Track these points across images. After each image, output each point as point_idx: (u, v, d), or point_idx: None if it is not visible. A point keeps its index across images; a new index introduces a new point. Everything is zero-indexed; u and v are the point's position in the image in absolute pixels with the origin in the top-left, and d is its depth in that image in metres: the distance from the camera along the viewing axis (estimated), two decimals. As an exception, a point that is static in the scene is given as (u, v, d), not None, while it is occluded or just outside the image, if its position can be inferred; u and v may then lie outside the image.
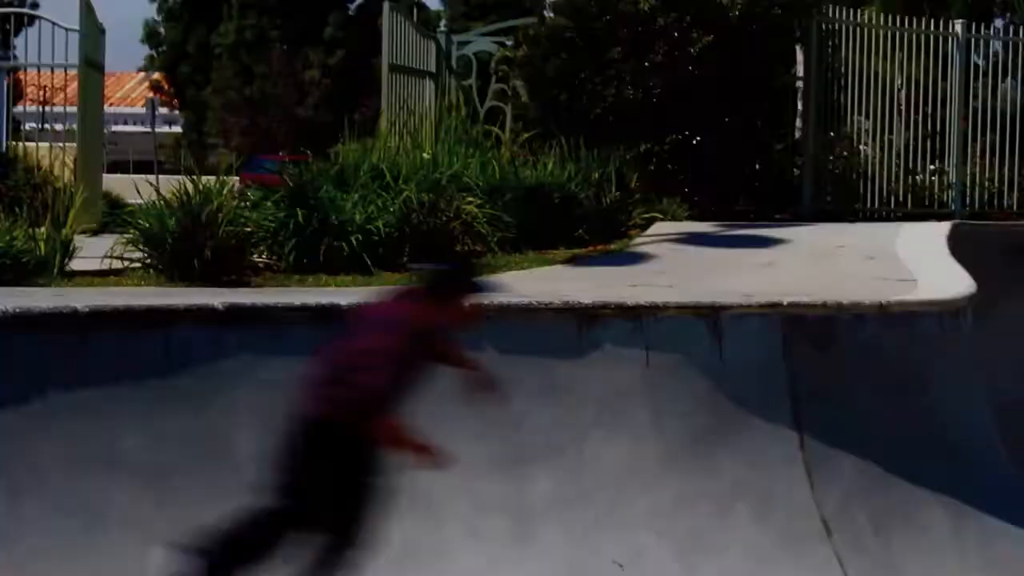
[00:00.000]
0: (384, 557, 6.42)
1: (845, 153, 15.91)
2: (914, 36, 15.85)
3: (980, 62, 16.94)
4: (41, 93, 17.59)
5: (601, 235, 12.96)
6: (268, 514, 6.13)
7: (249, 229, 10.75)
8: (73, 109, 16.31)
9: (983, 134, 16.30)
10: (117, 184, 19.79)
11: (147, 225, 10.52)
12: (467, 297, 6.41)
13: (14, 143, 16.67)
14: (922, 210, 15.40)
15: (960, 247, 12.16)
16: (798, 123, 16.03)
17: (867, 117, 16.00)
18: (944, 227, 13.04)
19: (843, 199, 15.75)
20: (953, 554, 8.77)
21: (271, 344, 7.79)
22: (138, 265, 10.45)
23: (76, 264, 10.49)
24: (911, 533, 8.75)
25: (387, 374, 6.02)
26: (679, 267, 11.60)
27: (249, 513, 6.13)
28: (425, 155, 12.81)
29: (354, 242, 11.05)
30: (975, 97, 16.57)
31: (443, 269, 6.57)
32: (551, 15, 15.58)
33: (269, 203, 11.47)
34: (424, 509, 7.34)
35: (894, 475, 8.96)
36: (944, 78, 15.83)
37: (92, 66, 16.13)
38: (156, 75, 52.11)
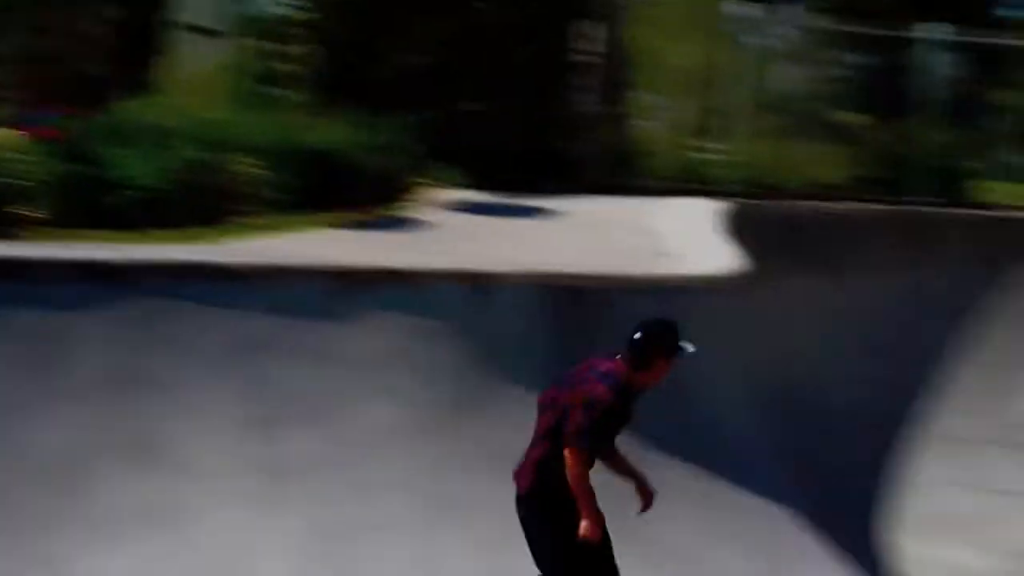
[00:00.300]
0: (128, 514, 6.42)
1: (628, 128, 16.19)
2: (702, 16, 16.15)
3: (766, 44, 17.33)
4: None
5: (380, 200, 12.99)
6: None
7: (18, 181, 10.52)
8: None
9: (762, 114, 16.71)
10: None
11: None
12: (669, 360, 6.97)
13: None
14: (701, 186, 15.75)
15: (736, 224, 12.51)
16: (583, 97, 16.22)
17: (652, 94, 16.30)
18: (719, 204, 13.37)
19: (624, 173, 16.01)
20: (697, 524, 9.02)
21: (28, 296, 7.70)
22: None
23: None
24: (659, 502, 8.97)
25: (597, 423, 6.73)
26: (452, 234, 11.71)
27: None
28: (207, 114, 12.68)
29: (127, 198, 10.90)
30: (759, 78, 16.98)
31: (650, 333, 6.95)
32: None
33: (42, 156, 11.23)
34: (171, 467, 7.32)
35: (647, 443, 9.16)
36: (729, 59, 16.17)
37: None
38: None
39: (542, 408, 7.01)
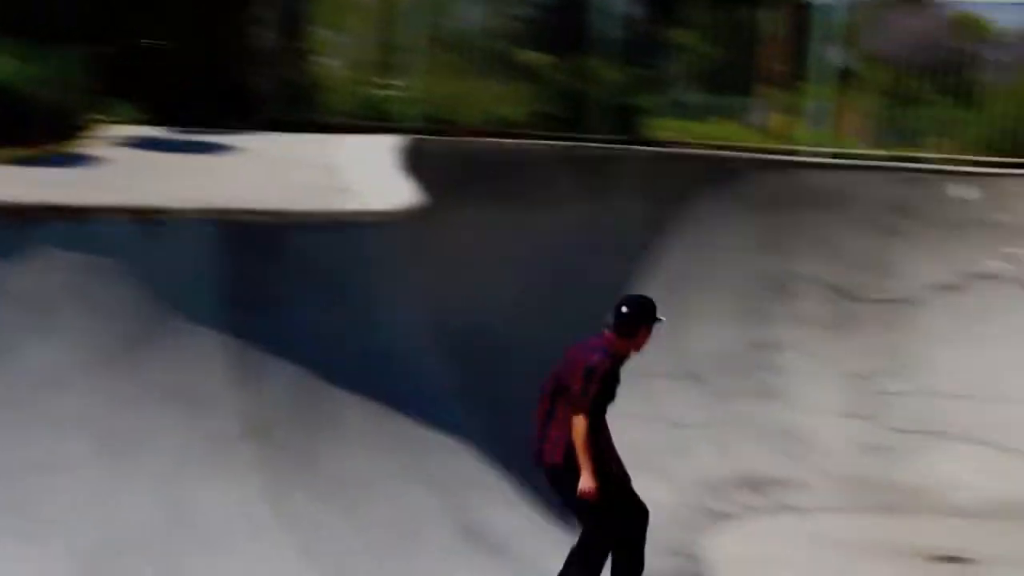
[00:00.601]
0: None
1: (308, 64, 16.13)
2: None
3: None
4: None
5: (53, 137, 12.62)
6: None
7: None
8: None
9: (442, 51, 16.87)
10: None
11: None
12: (649, 328, 8.74)
13: None
14: (381, 123, 15.84)
15: (415, 160, 12.62)
16: (262, 31, 16.07)
17: (332, 29, 16.25)
18: (397, 140, 13.48)
19: (304, 109, 15.98)
20: (374, 456, 9.17)
21: None
22: None
23: None
24: (338, 435, 9.10)
25: (600, 387, 8.45)
26: (127, 171, 11.49)
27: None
28: None
29: None
30: (439, 15, 17.13)
31: (634, 306, 8.69)
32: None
33: None
34: None
35: (324, 380, 9.27)
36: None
37: None
38: None
39: (553, 390, 8.68)
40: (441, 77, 16.67)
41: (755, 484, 13.97)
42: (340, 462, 8.80)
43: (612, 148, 15.80)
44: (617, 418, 13.95)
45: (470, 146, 14.99)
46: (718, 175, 15.70)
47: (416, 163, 12.61)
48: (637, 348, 8.81)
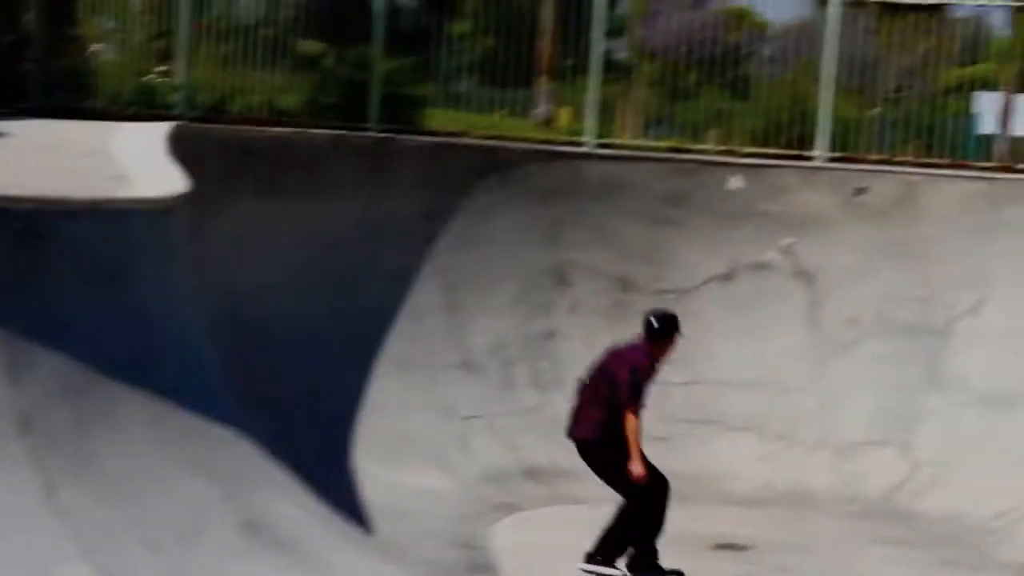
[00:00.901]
0: None
1: (81, 50, 15.59)
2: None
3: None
4: None
5: None
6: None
7: None
8: None
9: (215, 39, 16.50)
10: None
11: None
12: (675, 339, 10.72)
13: None
14: (150, 111, 15.38)
15: (182, 149, 12.23)
16: (33, 16, 15.50)
17: (106, 15, 15.75)
18: (165, 127, 13.09)
19: (73, 96, 15.44)
20: (153, 451, 8.83)
21: None
22: None
23: None
24: (111, 430, 8.71)
25: (642, 387, 10.25)
26: None
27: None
28: None
29: None
30: (217, 3, 16.78)
31: (664, 320, 10.71)
32: None
33: None
34: None
35: (97, 373, 8.87)
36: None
37: None
38: None
39: (594, 378, 10.50)
40: (216, 66, 16.29)
41: (537, 475, 13.96)
42: (116, 457, 8.41)
43: (389, 138, 15.60)
44: (399, 410, 13.94)
45: (245, 134, 14.64)
46: (496, 166, 15.65)
47: (189, 151, 12.22)
48: (665, 355, 10.76)
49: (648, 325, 10.68)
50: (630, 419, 10.18)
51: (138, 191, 10.30)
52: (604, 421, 10.37)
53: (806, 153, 16.55)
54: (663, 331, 10.63)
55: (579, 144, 16.48)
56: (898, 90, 19.49)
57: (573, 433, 10.68)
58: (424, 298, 14.82)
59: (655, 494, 10.70)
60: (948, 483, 14.10)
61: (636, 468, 10.28)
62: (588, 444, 10.56)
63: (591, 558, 10.95)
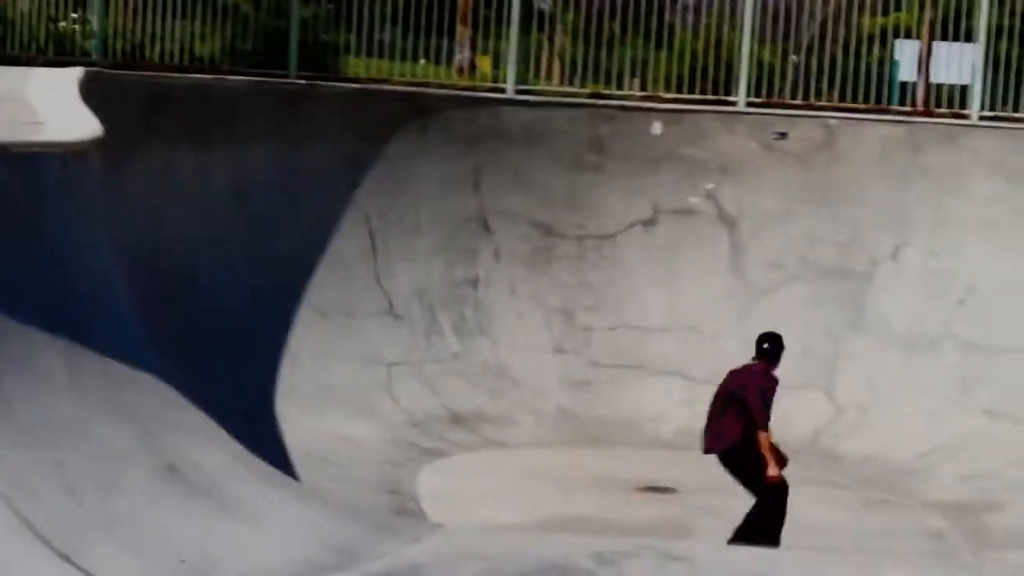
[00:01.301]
0: None
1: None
2: None
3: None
4: None
5: None
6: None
7: None
8: None
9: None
10: None
11: None
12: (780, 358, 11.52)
13: None
14: (64, 58, 15.06)
15: (96, 95, 11.97)
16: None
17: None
18: (77, 73, 12.81)
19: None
20: (72, 397, 8.65)
21: None
22: None
23: None
24: (27, 377, 8.51)
25: (770, 404, 11.11)
26: None
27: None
28: None
29: None
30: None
31: (773, 344, 11.43)
32: None
33: None
34: None
35: (12, 320, 8.66)
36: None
37: None
38: None
39: (725, 398, 11.33)
40: (132, 13, 15.97)
41: (463, 421, 13.90)
42: (34, 403, 8.22)
43: (310, 84, 15.38)
44: (321, 357, 13.81)
45: (161, 81, 14.38)
46: (418, 112, 15.50)
47: (103, 97, 11.96)
48: (775, 370, 11.50)
49: (761, 348, 11.47)
50: (763, 434, 11.07)
51: (49, 135, 10.06)
52: (740, 435, 11.19)
53: (727, 98, 16.54)
54: (775, 352, 11.46)
55: (500, 91, 16.34)
56: (820, 38, 19.52)
57: (713, 447, 11.49)
58: (346, 245, 14.68)
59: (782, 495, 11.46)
60: (872, 425, 14.21)
61: (772, 471, 11.08)
62: (729, 455, 11.33)
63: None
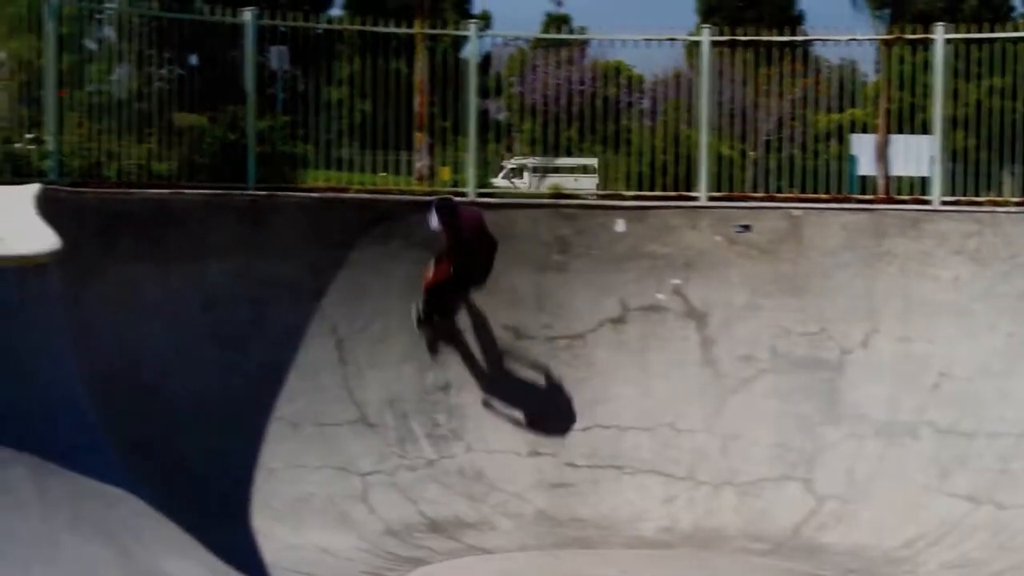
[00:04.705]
0: None
1: None
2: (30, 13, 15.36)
3: (92, 45, 16.94)
4: None
5: None
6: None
7: None
8: None
9: (92, 110, 16.17)
10: None
11: None
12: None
13: None
14: (21, 179, 14.88)
15: (54, 213, 11.79)
16: None
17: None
18: (33, 188, 12.65)
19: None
20: (39, 511, 8.42)
21: None
22: None
23: None
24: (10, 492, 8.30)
25: None
26: None
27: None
28: None
29: None
30: (88, 74, 16.54)
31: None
32: None
33: None
34: None
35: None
36: (55, 55, 15.33)
37: None
38: None
39: None
40: (88, 133, 15.88)
41: (441, 528, 13.64)
42: (5, 520, 7.99)
43: (269, 195, 15.25)
44: (295, 468, 13.56)
45: (119, 197, 14.24)
46: (380, 218, 15.38)
47: (61, 214, 11.81)
48: None
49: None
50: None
51: (5, 250, 9.88)
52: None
53: (688, 194, 16.54)
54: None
55: (462, 195, 16.28)
56: (777, 136, 19.66)
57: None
58: (314, 355, 14.46)
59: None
60: (853, 515, 14.02)
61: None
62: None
63: None
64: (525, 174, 21.69)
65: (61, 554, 7.95)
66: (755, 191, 16.85)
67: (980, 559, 12.82)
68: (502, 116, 23.31)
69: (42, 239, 10.47)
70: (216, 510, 11.79)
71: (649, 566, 12.99)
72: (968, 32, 16.81)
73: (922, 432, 14.39)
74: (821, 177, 16.82)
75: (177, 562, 8.57)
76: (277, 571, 11.52)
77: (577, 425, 15.02)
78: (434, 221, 14.44)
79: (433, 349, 15.11)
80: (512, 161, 22.74)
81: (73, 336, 10.45)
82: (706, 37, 16.72)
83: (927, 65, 17.13)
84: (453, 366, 15.14)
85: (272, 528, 12.51)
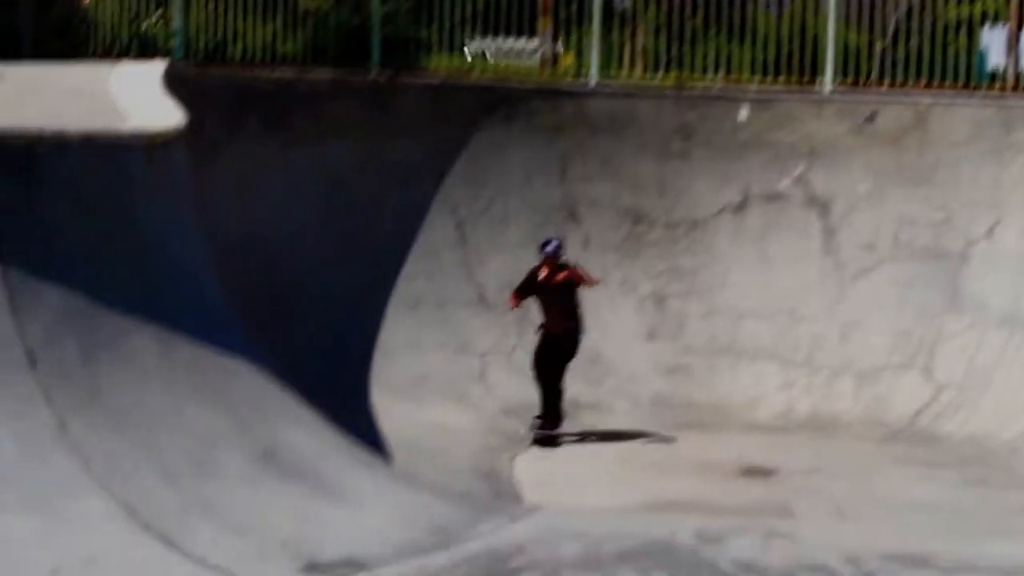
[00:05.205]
0: None
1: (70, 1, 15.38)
2: None
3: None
4: None
5: None
6: None
7: None
8: None
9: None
10: None
11: None
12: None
13: None
14: (153, 55, 15.12)
15: (180, 91, 12.00)
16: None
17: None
18: (160, 67, 12.86)
19: (68, 47, 15.18)
20: (163, 381, 8.65)
21: None
22: None
23: None
24: (119, 362, 8.52)
25: None
26: None
27: None
28: None
29: None
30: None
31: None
32: None
33: None
34: None
35: (103, 306, 8.67)
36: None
37: None
38: None
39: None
40: (213, 13, 16.02)
41: (559, 408, 13.78)
42: (127, 390, 8.24)
43: (393, 79, 15.34)
44: (414, 347, 13.78)
45: (245, 76, 14.44)
46: (501, 103, 15.42)
47: (188, 92, 12.00)
48: None
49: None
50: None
51: (134, 125, 10.09)
52: None
53: (813, 84, 16.31)
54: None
55: (584, 83, 16.21)
56: (906, 26, 19.24)
57: None
58: (435, 235, 14.63)
59: None
60: (971, 405, 13.91)
61: None
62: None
63: None
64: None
65: (183, 423, 8.17)
66: (882, 81, 16.54)
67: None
68: (626, 3, 23.05)
69: (168, 117, 10.66)
70: (336, 386, 12.03)
71: (765, 450, 13.02)
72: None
73: (1044, 323, 14.19)
74: (949, 68, 16.43)
75: (295, 434, 8.77)
76: (396, 446, 11.76)
77: (695, 311, 15.03)
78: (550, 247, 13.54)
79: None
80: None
81: (198, 212, 10.64)
82: (837, -78, 16.37)
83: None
84: (572, 249, 15.17)
85: (391, 405, 12.76)
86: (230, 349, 9.41)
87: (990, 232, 14.91)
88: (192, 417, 8.40)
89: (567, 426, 13.27)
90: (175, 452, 8.08)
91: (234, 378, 9.17)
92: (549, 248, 13.41)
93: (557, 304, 13.28)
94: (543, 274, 13.36)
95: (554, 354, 13.22)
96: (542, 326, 13.38)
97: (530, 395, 13.37)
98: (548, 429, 13.10)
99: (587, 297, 13.80)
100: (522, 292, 13.41)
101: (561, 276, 13.27)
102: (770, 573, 7.24)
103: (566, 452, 12.93)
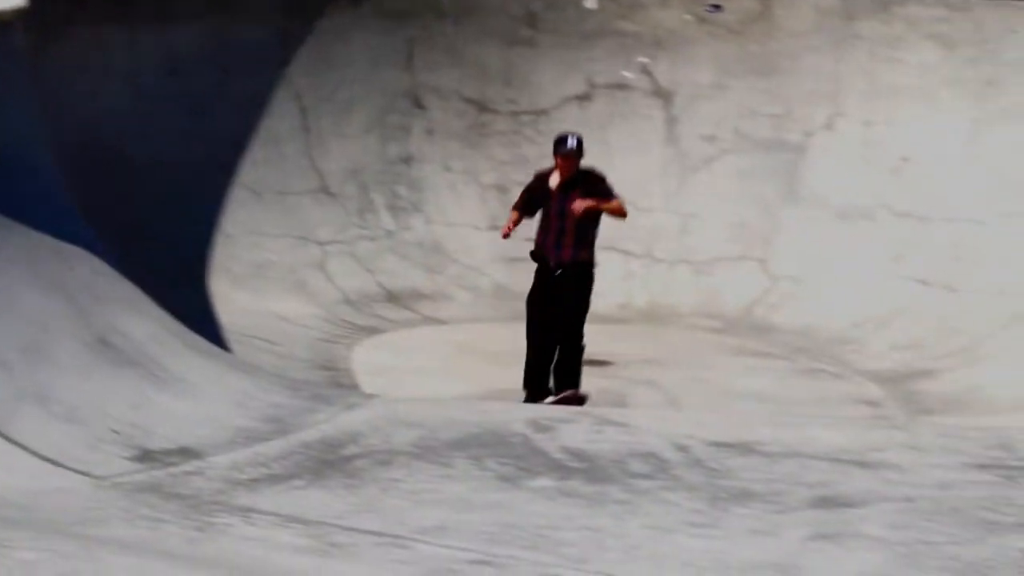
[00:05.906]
0: None
1: None
2: None
3: None
4: None
5: None
6: None
7: None
8: None
9: None
10: None
11: None
12: None
13: None
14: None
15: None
16: None
17: None
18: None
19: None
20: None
21: None
22: None
23: None
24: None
25: None
26: None
27: None
28: None
29: None
30: None
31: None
32: None
33: None
34: None
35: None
36: None
37: None
38: None
39: None
40: None
41: (398, 298, 13.85)
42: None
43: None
44: (255, 236, 13.70)
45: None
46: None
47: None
48: None
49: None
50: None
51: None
52: None
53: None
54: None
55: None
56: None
57: None
58: (278, 123, 14.48)
59: None
60: (805, 296, 14.25)
61: None
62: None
63: None
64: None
65: (17, 309, 8.07)
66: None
67: (927, 341, 13.11)
68: None
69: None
70: (175, 274, 11.95)
71: (604, 339, 13.20)
72: None
73: (879, 216, 14.54)
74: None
75: (133, 320, 8.72)
76: (234, 335, 11.74)
77: (537, 199, 15.11)
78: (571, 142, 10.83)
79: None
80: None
81: (36, 94, 10.43)
82: None
83: None
84: (416, 138, 15.17)
85: (230, 293, 12.71)
86: (68, 236, 9.28)
87: (829, 124, 15.18)
88: (27, 304, 8.29)
89: (401, 315, 13.31)
90: (7, 337, 7.97)
91: (72, 266, 9.06)
92: (569, 144, 10.59)
93: (569, 225, 10.53)
94: (556, 180, 10.55)
95: (557, 296, 10.63)
96: (539, 253, 10.61)
97: (370, 284, 13.41)
98: (571, 400, 10.58)
99: (427, 185, 13.86)
100: (526, 207, 10.61)
101: (581, 205, 10.37)
102: (600, 460, 7.39)
103: (405, 342, 13.02)
